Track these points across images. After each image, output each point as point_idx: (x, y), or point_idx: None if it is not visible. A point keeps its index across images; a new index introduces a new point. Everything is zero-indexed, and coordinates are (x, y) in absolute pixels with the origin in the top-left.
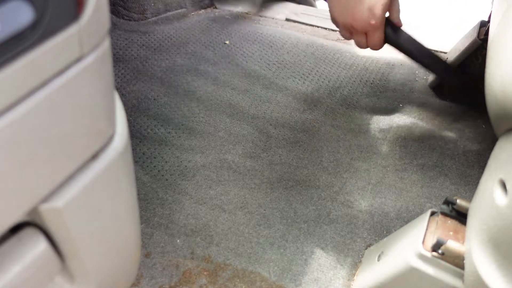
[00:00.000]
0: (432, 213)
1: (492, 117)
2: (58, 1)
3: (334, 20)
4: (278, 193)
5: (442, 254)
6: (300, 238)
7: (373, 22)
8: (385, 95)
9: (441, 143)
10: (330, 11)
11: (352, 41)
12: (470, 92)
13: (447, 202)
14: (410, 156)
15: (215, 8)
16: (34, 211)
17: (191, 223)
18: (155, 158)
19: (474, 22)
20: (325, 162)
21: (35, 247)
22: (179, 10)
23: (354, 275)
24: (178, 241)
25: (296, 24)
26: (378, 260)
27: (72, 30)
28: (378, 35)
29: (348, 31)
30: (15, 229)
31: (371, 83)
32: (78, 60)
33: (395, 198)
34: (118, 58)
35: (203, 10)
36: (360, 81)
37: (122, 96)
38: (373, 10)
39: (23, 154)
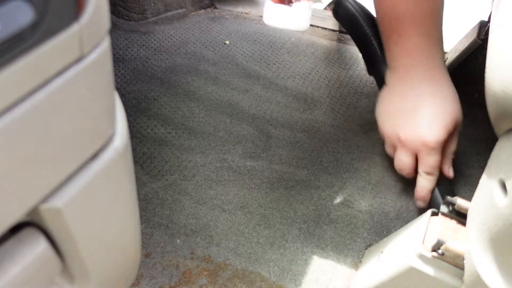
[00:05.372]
0: (432, 213)
1: (492, 117)
2: (58, 1)
3: (380, 130)
4: (278, 193)
5: (442, 254)
6: (300, 238)
7: (430, 141)
8: None
9: None
10: (378, 119)
11: (351, 41)
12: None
13: (447, 202)
14: None
15: (215, 8)
16: (34, 211)
17: (191, 223)
18: (155, 158)
19: (474, 22)
20: (325, 162)
21: (35, 247)
22: (179, 10)
23: (354, 275)
24: (178, 241)
25: None
26: (378, 260)
27: (72, 31)
28: (433, 159)
29: (392, 145)
30: (15, 229)
31: (371, 83)
32: (78, 60)
33: (395, 198)
34: (118, 58)
35: (203, 10)
36: (360, 81)
37: (122, 96)
38: (433, 126)
39: (23, 154)
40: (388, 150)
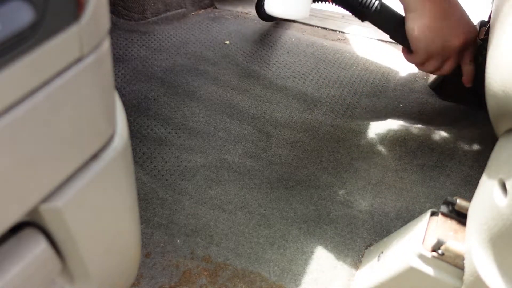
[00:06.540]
0: (432, 213)
1: (492, 117)
2: (58, 1)
3: (427, 51)
4: (278, 193)
5: (442, 254)
6: (300, 238)
7: (475, 32)
8: (385, 95)
9: (441, 143)
10: (420, 43)
11: (351, 41)
12: (470, 92)
13: (447, 202)
14: (410, 156)
15: (215, 8)
16: (34, 211)
17: (191, 223)
18: (155, 158)
19: (474, 22)
20: (325, 162)
21: (35, 247)
22: (179, 10)
23: (354, 275)
24: (178, 241)
25: (296, 24)
26: (378, 260)
27: (72, 31)
28: (474, 47)
29: (441, 58)
30: (15, 229)
31: (371, 83)
32: (78, 60)
33: (395, 198)
34: (118, 58)
35: (203, 10)
36: (360, 81)
37: (122, 96)
38: (471, 22)
39: (23, 154)
40: (435, 63)
